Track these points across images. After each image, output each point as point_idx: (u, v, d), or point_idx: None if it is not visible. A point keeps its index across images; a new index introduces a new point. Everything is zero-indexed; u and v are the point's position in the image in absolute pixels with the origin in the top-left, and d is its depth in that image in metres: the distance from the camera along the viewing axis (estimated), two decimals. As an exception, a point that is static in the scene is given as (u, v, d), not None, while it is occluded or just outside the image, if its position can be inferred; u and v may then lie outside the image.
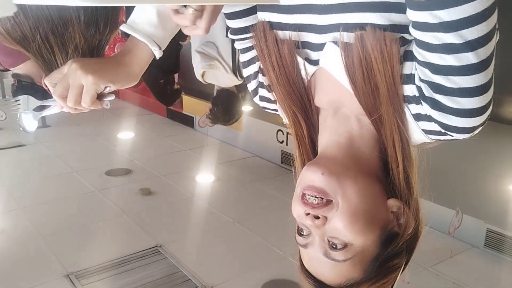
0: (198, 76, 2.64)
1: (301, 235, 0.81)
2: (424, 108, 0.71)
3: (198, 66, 2.56)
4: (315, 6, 0.78)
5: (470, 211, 2.89)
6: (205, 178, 4.30)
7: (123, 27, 0.92)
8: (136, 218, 3.58)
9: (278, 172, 4.48)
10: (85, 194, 4.01)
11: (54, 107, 0.97)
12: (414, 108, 0.73)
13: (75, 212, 3.69)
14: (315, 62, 0.82)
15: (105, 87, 0.92)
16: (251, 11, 0.89)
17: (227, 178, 4.38)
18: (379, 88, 0.73)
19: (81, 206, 3.79)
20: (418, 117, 0.74)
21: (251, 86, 0.98)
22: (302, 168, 0.81)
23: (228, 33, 0.95)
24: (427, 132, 0.75)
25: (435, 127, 0.72)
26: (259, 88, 0.96)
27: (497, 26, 0.66)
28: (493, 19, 0.64)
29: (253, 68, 0.95)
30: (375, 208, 0.76)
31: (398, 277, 0.81)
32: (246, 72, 0.98)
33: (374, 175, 0.78)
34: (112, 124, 5.88)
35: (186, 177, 4.35)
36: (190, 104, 5.63)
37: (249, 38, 0.91)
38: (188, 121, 5.83)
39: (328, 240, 0.76)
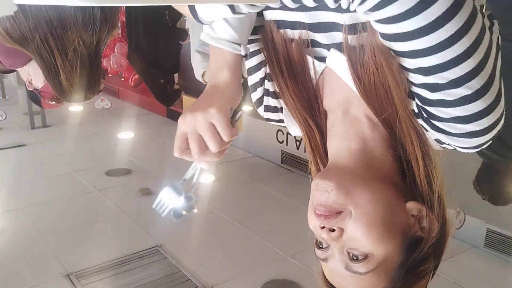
0: (198, 76, 2.64)
1: (320, 248, 0.77)
2: (426, 127, 0.71)
3: (199, 66, 2.55)
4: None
5: (470, 211, 2.89)
6: (205, 178, 4.29)
7: (205, 38, 0.84)
8: (136, 218, 3.57)
9: (278, 172, 4.48)
10: (85, 194, 4.01)
11: (199, 169, 0.86)
12: (420, 121, 0.72)
13: (75, 212, 3.68)
14: (324, 60, 0.80)
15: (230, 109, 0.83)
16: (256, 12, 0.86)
17: (227, 178, 4.37)
18: (391, 88, 0.71)
19: (81, 206, 3.79)
20: (425, 128, 0.73)
21: (256, 95, 0.94)
22: None
23: None
24: (437, 141, 0.74)
25: (442, 138, 0.71)
26: (264, 97, 0.93)
27: (492, 43, 0.64)
28: (482, 48, 0.61)
29: (259, 74, 0.92)
30: (392, 214, 0.72)
31: (427, 284, 0.77)
32: (251, 79, 0.94)
33: (389, 179, 0.75)
34: (112, 124, 5.88)
35: (186, 177, 4.34)
36: (190, 104, 5.61)
37: (255, 41, 0.88)
38: (188, 121, 5.82)
39: (347, 252, 0.73)
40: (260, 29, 0.86)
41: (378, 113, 0.74)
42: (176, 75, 4.39)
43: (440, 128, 0.68)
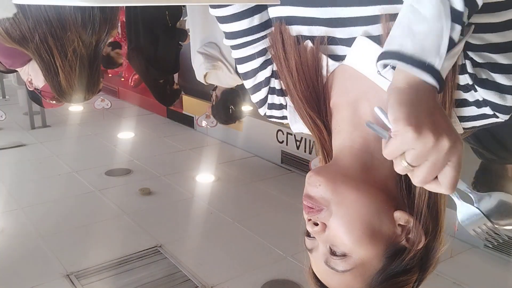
0: (199, 77, 2.64)
1: (308, 237, 0.80)
2: (476, 94, 0.70)
3: (201, 67, 2.55)
4: None
5: (470, 211, 2.88)
6: (205, 178, 4.29)
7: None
8: (136, 218, 3.57)
9: (278, 172, 4.48)
10: (85, 194, 4.01)
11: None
12: (461, 95, 0.72)
13: (75, 212, 3.68)
14: (339, 58, 0.79)
15: None
16: (254, 11, 0.84)
17: (227, 178, 4.37)
18: None
19: (81, 206, 3.79)
20: (463, 103, 0.72)
21: (260, 95, 0.92)
22: None
23: (224, 39, 0.89)
24: (465, 119, 0.73)
25: (481, 111, 0.71)
26: (269, 95, 0.92)
27: None
28: None
29: (266, 73, 0.90)
30: (377, 220, 0.73)
31: None
32: (254, 80, 0.91)
33: (383, 184, 0.75)
34: (112, 124, 5.87)
35: (186, 177, 4.35)
36: (190, 104, 5.63)
37: (259, 40, 0.86)
38: (188, 121, 5.82)
39: (330, 247, 0.75)
40: (266, 27, 0.85)
41: None
42: (176, 75, 4.39)
43: (497, 83, 0.68)
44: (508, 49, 0.67)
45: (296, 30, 0.82)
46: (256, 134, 4.84)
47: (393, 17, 0.69)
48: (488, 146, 1.77)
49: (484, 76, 0.69)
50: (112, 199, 3.90)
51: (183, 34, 3.42)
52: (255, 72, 0.91)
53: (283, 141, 4.55)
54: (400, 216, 0.74)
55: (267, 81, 0.91)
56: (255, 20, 0.85)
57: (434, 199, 0.75)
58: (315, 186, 0.74)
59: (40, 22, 1.05)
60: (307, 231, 0.79)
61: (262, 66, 0.90)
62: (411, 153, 0.55)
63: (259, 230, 3.36)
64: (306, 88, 0.82)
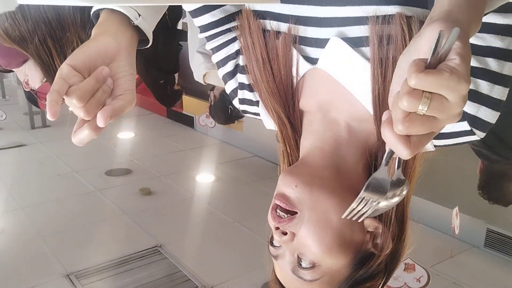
0: (198, 78, 2.64)
1: (272, 245, 0.77)
2: None
3: (201, 66, 2.55)
4: None
5: (470, 211, 2.88)
6: (205, 178, 4.29)
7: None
8: (136, 218, 3.57)
9: (278, 172, 4.47)
10: (85, 194, 4.01)
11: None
12: None
13: (75, 212, 3.68)
14: (311, 60, 0.76)
15: None
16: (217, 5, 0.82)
17: (227, 178, 4.37)
18: None
19: (81, 206, 3.79)
20: None
21: (230, 86, 0.90)
22: None
23: (199, 33, 0.89)
24: (438, 136, 0.71)
25: (458, 127, 0.67)
26: (239, 90, 0.89)
27: None
28: None
29: (230, 66, 0.87)
30: (348, 228, 0.70)
31: None
32: (222, 71, 0.89)
33: (355, 189, 0.70)
34: (112, 124, 5.82)
35: (186, 177, 4.35)
36: (190, 104, 5.63)
37: (222, 32, 0.84)
38: (188, 121, 5.82)
39: (297, 256, 0.72)
40: (238, 15, 0.82)
41: (380, 118, 0.70)
42: (176, 75, 4.39)
43: (479, 94, 0.64)
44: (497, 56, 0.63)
45: (267, 24, 0.79)
46: (256, 134, 4.84)
47: (375, 19, 0.67)
48: (493, 147, 1.76)
49: (471, 87, 0.64)
50: (112, 199, 3.90)
51: (184, 34, 3.42)
52: (219, 64, 0.89)
53: (283, 141, 4.54)
54: (369, 224, 0.72)
55: (234, 72, 0.87)
56: (218, 14, 0.83)
57: (402, 204, 0.73)
58: (290, 186, 0.72)
59: (39, 23, 1.05)
60: (271, 238, 0.77)
61: (228, 58, 0.87)
62: (453, 95, 0.45)
63: (259, 230, 3.35)
64: (273, 80, 0.79)
